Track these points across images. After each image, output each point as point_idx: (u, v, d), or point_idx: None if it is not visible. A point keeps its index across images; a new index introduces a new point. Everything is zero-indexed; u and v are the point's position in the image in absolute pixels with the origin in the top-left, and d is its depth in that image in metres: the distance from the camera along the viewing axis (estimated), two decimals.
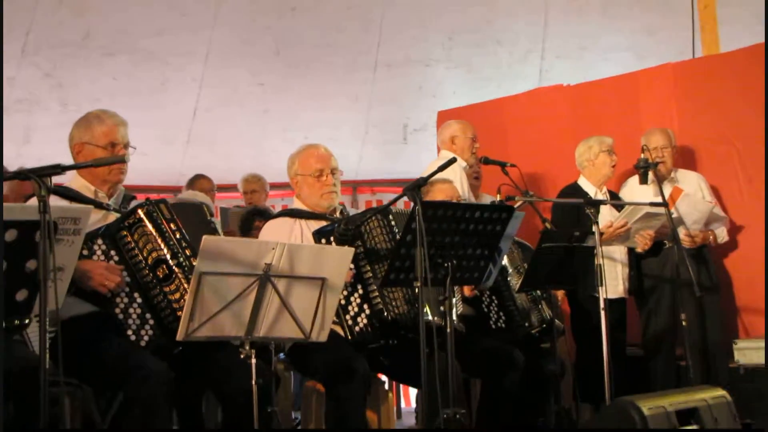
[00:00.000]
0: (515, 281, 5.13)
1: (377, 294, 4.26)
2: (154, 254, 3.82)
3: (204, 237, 3.36)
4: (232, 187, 8.83)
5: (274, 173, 7.54)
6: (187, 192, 6.19)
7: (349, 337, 4.29)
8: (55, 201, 3.80)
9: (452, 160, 3.98)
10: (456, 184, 5.34)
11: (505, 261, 5.07)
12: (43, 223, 2.85)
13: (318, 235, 4.28)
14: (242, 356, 3.54)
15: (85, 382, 3.93)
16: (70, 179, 4.20)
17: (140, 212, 3.85)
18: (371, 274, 4.28)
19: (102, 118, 4.04)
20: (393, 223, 4.33)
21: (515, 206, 6.01)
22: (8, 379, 3.74)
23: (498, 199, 5.41)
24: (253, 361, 3.54)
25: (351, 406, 4.10)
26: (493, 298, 5.10)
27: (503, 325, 5.09)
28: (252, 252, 3.46)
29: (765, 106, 6.07)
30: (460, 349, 4.57)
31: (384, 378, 4.74)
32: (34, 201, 3.89)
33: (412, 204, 3.83)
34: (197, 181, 7.32)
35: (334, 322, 4.16)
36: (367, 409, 4.55)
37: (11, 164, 8.47)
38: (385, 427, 4.44)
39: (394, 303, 4.29)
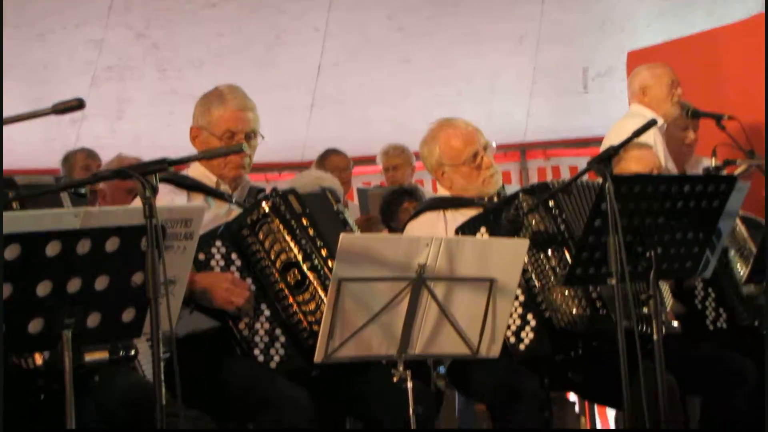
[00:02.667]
0: (740, 268, 5.02)
1: (542, 298, 4.27)
2: (283, 256, 3.93)
3: (342, 235, 3.44)
4: (369, 160, 8.93)
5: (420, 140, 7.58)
6: (306, 174, 6.29)
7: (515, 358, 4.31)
8: (165, 194, 3.97)
9: (651, 123, 3.92)
10: (653, 149, 5.26)
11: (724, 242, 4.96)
12: (150, 230, 2.97)
13: (461, 233, 4.32)
14: (395, 379, 3.60)
15: (208, 413, 4.09)
16: (189, 166, 4.33)
17: (265, 206, 3.96)
18: (532, 274, 4.29)
19: (224, 100, 4.16)
20: (552, 203, 4.28)
21: (737, 173, 5.90)
22: (120, 413, 3.95)
23: (713, 164, 5.29)
24: (410, 384, 3.59)
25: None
26: (710, 290, 5.00)
27: (724, 325, 5.00)
28: (401, 250, 3.52)
29: None
30: (673, 359, 4.54)
31: (574, 398, 4.73)
32: (137, 202, 4.08)
33: (600, 179, 3.80)
34: (329, 158, 7.44)
35: None
36: None
37: (104, 144, 8.83)
38: None
39: (562, 307, 4.27)
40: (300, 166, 9.47)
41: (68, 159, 6.74)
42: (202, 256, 3.90)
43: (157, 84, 9.59)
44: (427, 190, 7.00)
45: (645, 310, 4.02)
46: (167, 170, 3.09)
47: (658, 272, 3.99)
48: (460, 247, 3.60)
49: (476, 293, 3.65)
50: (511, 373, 4.26)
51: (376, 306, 3.53)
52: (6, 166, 8.36)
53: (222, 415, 4.02)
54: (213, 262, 3.92)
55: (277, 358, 3.89)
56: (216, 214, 4.10)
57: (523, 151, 10.51)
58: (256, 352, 3.88)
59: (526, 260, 4.26)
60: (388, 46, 9.59)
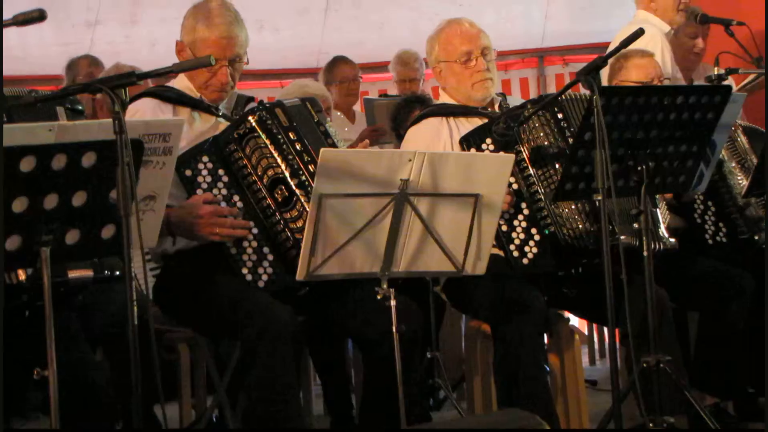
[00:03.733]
0: (739, 180, 4.97)
1: (548, 212, 4.22)
2: (270, 172, 3.91)
3: (322, 150, 3.42)
4: (385, 66, 8.84)
5: None
6: (292, 84, 6.20)
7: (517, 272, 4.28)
8: (150, 109, 3.95)
9: (637, 33, 3.85)
10: (657, 58, 5.16)
11: (723, 154, 4.90)
12: (120, 145, 2.95)
13: (466, 143, 4.26)
14: (379, 297, 3.60)
15: (196, 330, 4.12)
16: (174, 80, 4.29)
17: (251, 120, 3.93)
18: (538, 187, 4.23)
19: (211, 22, 4.04)
20: (560, 116, 4.24)
21: (745, 82, 5.80)
22: (107, 329, 3.99)
23: (716, 72, 5.20)
24: (393, 303, 3.59)
25: (525, 350, 4.11)
26: (709, 204, 4.96)
27: (724, 240, 4.96)
28: (383, 165, 3.49)
29: None
30: (671, 275, 4.53)
31: (571, 316, 4.71)
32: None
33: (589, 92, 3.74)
34: (336, 66, 7.33)
35: (495, 246, 4.18)
36: (550, 354, 4.58)
37: (119, 50, 8.79)
38: (570, 375, 4.44)
39: (569, 222, 4.23)
40: (315, 72, 9.36)
41: (72, 66, 6.67)
42: (188, 173, 3.87)
43: None
44: None
45: (635, 225, 3.97)
46: (135, 83, 3.04)
47: (650, 187, 3.95)
48: (444, 162, 3.57)
49: (461, 209, 3.63)
50: (515, 288, 4.23)
51: (359, 222, 3.51)
52: (20, 71, 8.37)
53: (208, 332, 4.04)
54: (200, 179, 3.89)
55: (265, 277, 3.87)
56: (202, 128, 4.07)
57: (540, 56, 10.34)
58: (244, 270, 3.87)
59: (532, 172, 4.24)
60: None
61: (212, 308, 3.89)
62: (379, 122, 6.71)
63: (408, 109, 6.39)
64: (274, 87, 9.42)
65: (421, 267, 3.68)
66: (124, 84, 3.00)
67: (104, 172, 3.14)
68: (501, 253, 4.25)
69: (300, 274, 3.50)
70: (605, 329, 6.57)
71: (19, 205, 3.04)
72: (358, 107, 7.55)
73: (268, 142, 3.92)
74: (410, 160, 3.51)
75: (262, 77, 9.66)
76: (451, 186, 3.60)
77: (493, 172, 3.66)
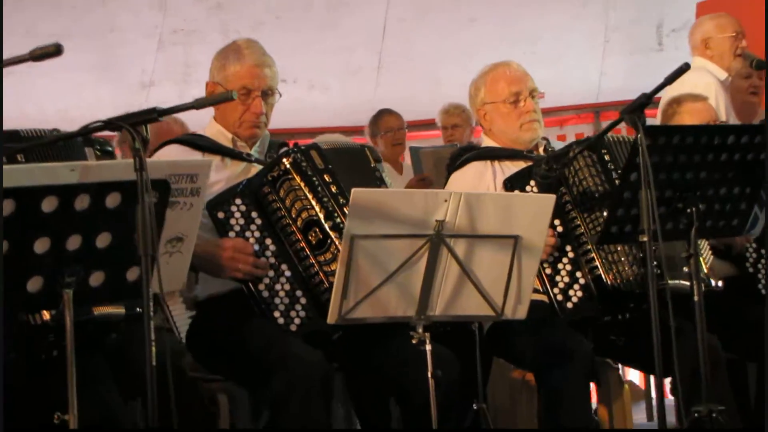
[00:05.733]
0: None
1: (594, 255, 4.10)
2: (305, 214, 3.83)
3: (353, 190, 3.33)
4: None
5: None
6: (328, 136, 6.16)
7: (561, 316, 4.16)
8: (178, 156, 3.90)
9: (682, 68, 3.73)
10: (711, 101, 5.04)
11: None
12: (141, 182, 2.88)
13: (510, 186, 4.15)
14: (414, 341, 3.49)
15: (228, 378, 4.03)
16: (206, 126, 4.26)
17: (286, 162, 3.87)
18: (584, 230, 4.12)
19: (240, 55, 4.04)
20: (607, 158, 4.13)
21: None
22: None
23: None
24: (428, 347, 3.48)
25: (570, 400, 3.99)
26: (762, 252, 4.79)
27: None
28: (418, 206, 3.40)
29: None
30: (723, 322, 4.37)
31: (630, 371, 4.57)
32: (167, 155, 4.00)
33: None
34: (382, 118, 7.32)
35: (539, 292, 4.05)
36: (599, 405, 4.43)
37: None
38: (619, 427, 4.29)
39: (616, 266, 4.10)
40: None
41: None
42: (221, 215, 3.82)
43: (221, 46, 9.53)
44: None
45: (685, 269, 3.84)
46: (157, 119, 2.97)
47: (701, 230, 3.81)
48: (481, 202, 3.47)
49: (499, 251, 3.52)
50: (560, 334, 4.12)
51: (393, 265, 3.41)
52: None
53: (241, 379, 3.95)
54: (232, 221, 3.83)
55: (297, 321, 3.79)
56: (232, 172, 4.02)
57: (597, 112, 10.26)
58: (276, 314, 3.79)
59: (577, 215, 4.15)
60: (453, 3, 9.42)
61: (242, 354, 3.82)
62: (426, 171, 6.63)
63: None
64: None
65: (458, 311, 3.57)
66: (144, 120, 2.94)
67: (129, 212, 3.06)
68: (545, 298, 4.14)
69: (331, 318, 3.41)
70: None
71: (40, 245, 2.98)
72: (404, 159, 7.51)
73: (302, 184, 3.85)
74: (446, 201, 3.41)
75: (313, 135, 9.66)
76: (489, 227, 3.50)
77: (533, 213, 3.55)
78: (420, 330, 3.51)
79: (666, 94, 5.71)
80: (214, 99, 3.11)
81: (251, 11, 9.46)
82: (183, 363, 4.08)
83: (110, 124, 2.92)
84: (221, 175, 3.99)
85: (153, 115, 2.94)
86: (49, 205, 2.95)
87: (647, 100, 3.68)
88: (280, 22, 9.52)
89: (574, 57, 9.81)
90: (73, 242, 3.03)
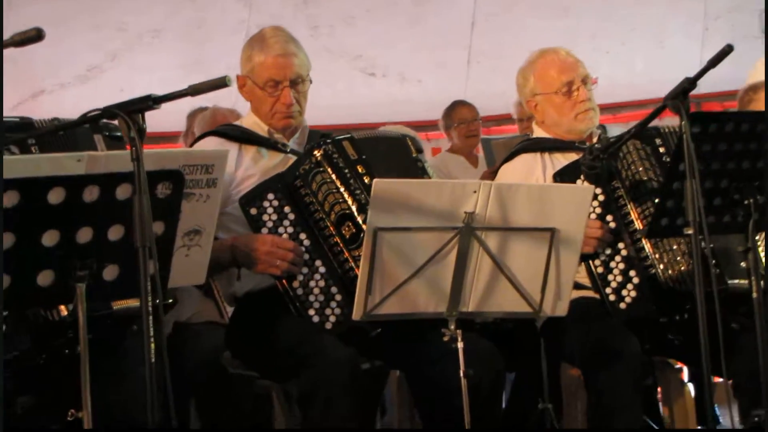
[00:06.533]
0: None
1: (648, 252, 3.92)
2: (337, 208, 3.72)
3: (375, 181, 3.22)
4: None
5: None
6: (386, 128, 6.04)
7: (614, 317, 3.99)
8: (214, 145, 3.83)
9: (725, 51, 3.52)
10: None
11: None
12: (137, 174, 2.79)
13: (560, 179, 3.98)
14: (445, 339, 3.36)
15: (263, 375, 3.96)
16: (242, 118, 4.20)
17: (317, 154, 3.76)
18: (638, 225, 3.94)
19: (265, 45, 3.92)
20: (662, 149, 3.95)
21: None
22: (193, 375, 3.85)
23: None
24: (460, 345, 3.33)
25: (618, 400, 3.83)
26: None
27: None
28: (445, 197, 3.27)
29: None
30: None
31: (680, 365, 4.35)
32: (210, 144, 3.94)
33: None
34: (455, 109, 7.18)
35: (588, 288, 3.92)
36: (662, 406, 4.24)
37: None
38: (681, 426, 4.08)
39: (672, 263, 3.90)
40: None
41: (192, 114, 6.65)
42: (254, 211, 3.73)
43: (309, 42, 9.49)
44: None
45: (743, 264, 3.61)
46: (152, 107, 2.88)
47: (758, 222, 3.58)
48: (513, 193, 3.32)
49: (535, 245, 3.38)
50: (608, 332, 3.94)
51: (420, 259, 3.29)
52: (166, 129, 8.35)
53: (274, 376, 3.86)
54: (265, 217, 3.73)
55: (332, 318, 3.68)
56: (270, 164, 3.93)
57: (698, 103, 9.91)
58: (311, 312, 3.69)
59: (631, 209, 3.97)
60: None
61: (276, 351, 3.74)
62: (499, 163, 6.46)
63: None
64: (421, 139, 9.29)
65: (493, 307, 3.44)
66: (140, 109, 2.84)
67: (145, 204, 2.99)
68: (594, 294, 3.99)
69: (356, 314, 3.30)
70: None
71: (49, 238, 2.90)
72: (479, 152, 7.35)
73: (334, 176, 3.74)
74: (475, 192, 3.28)
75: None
76: (523, 219, 3.35)
77: (570, 204, 3.39)
78: (452, 326, 3.37)
79: (751, 78, 5.48)
80: (208, 85, 3.00)
81: (338, 7, 9.41)
82: (223, 359, 4.03)
83: (107, 112, 2.83)
84: (257, 167, 3.93)
85: (148, 102, 2.85)
86: (56, 196, 2.87)
87: (690, 85, 3.48)
88: (371, 15, 9.45)
89: (673, 47, 9.51)
90: (84, 235, 2.94)
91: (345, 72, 9.71)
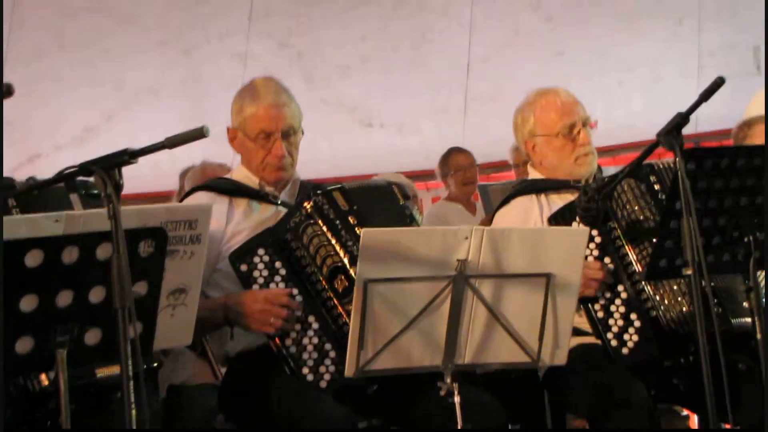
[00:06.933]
0: None
1: (648, 294, 3.82)
2: (329, 261, 3.62)
3: (363, 231, 3.13)
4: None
5: None
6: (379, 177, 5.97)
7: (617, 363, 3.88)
8: (205, 200, 3.74)
9: (717, 83, 3.44)
10: None
11: None
12: (114, 232, 2.71)
13: (555, 222, 3.88)
14: (442, 393, 3.24)
15: None
16: (233, 171, 4.13)
17: (307, 206, 3.66)
18: (636, 267, 3.83)
19: (257, 96, 3.86)
20: (657, 186, 3.85)
21: None
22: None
23: None
24: (457, 399, 3.22)
25: None
26: None
27: None
28: (436, 245, 3.16)
29: None
30: None
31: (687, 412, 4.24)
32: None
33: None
34: (451, 156, 7.13)
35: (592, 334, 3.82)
36: None
37: None
38: None
39: (673, 305, 3.80)
40: None
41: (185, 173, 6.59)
42: (244, 267, 3.64)
43: (305, 94, 9.46)
44: None
45: (745, 304, 3.51)
46: (128, 162, 2.80)
47: (759, 260, 3.48)
48: (506, 237, 3.22)
49: (531, 291, 3.27)
50: (613, 379, 3.82)
51: (413, 310, 3.18)
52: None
53: None
54: (256, 273, 3.64)
55: (327, 376, 3.58)
56: (262, 218, 3.85)
57: (696, 141, 9.84)
58: (305, 370, 3.58)
59: (628, 251, 3.86)
60: (538, 37, 9.19)
61: (269, 413, 3.63)
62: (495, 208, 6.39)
63: None
64: (419, 189, 9.24)
65: (490, 358, 3.32)
66: (116, 164, 2.77)
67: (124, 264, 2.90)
68: (596, 340, 3.87)
69: (348, 371, 3.19)
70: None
71: (27, 303, 2.81)
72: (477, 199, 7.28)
73: (324, 228, 3.64)
74: (467, 238, 3.17)
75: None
76: (517, 265, 3.25)
77: (565, 248, 3.29)
78: (448, 380, 3.26)
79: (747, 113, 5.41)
80: (185, 137, 2.91)
81: (333, 57, 9.39)
82: (216, 423, 3.92)
83: (84, 168, 2.75)
84: (248, 221, 3.85)
85: (124, 157, 2.78)
86: (33, 259, 2.79)
87: (683, 119, 3.39)
88: (366, 64, 9.43)
89: (669, 85, 9.48)
90: (64, 298, 2.86)
91: (343, 124, 9.68)
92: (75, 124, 9.28)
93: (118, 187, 2.76)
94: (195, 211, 3.09)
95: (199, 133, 2.87)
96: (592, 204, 3.66)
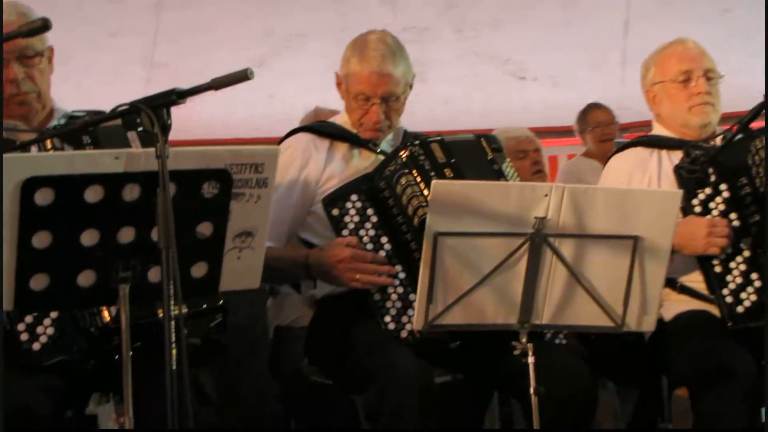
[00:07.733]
0: None
1: None
2: (421, 212, 3.51)
3: (434, 182, 3.04)
4: None
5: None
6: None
7: (729, 323, 3.70)
8: (305, 144, 3.80)
9: None
10: None
11: None
12: (161, 171, 2.66)
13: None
14: (516, 352, 3.12)
15: (335, 384, 3.80)
16: (337, 116, 4.05)
17: (403, 155, 3.59)
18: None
19: (364, 56, 3.73)
20: None
21: None
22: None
23: None
24: (531, 360, 3.09)
25: (726, 425, 3.51)
26: None
27: None
28: (512, 201, 3.05)
29: None
30: None
31: None
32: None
33: None
34: (590, 112, 6.92)
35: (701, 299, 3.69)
36: None
37: (412, 110, 8.74)
38: None
39: None
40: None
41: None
42: (336, 212, 3.61)
43: (455, 45, 9.33)
44: None
45: None
46: (176, 102, 2.75)
47: None
48: (590, 197, 3.08)
49: (616, 254, 3.13)
50: (718, 347, 3.65)
51: (487, 266, 3.08)
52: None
53: (345, 386, 3.70)
54: (347, 218, 3.61)
55: (408, 327, 3.50)
56: (361, 165, 3.79)
57: None
58: (387, 318, 3.53)
59: (757, 209, 3.71)
60: None
61: (346, 362, 3.59)
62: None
63: None
64: (573, 144, 9.03)
65: (570, 320, 3.21)
66: (163, 104, 2.72)
67: (188, 204, 2.86)
68: (708, 307, 3.74)
69: (417, 324, 3.13)
70: None
71: (88, 238, 2.80)
72: None
73: (419, 179, 3.55)
74: (546, 195, 3.04)
75: (558, 135, 9.31)
76: (602, 226, 3.11)
77: (656, 210, 3.13)
78: (523, 340, 3.13)
79: None
80: (231, 78, 2.83)
81: (486, 5, 9.21)
82: (302, 366, 3.90)
83: (133, 107, 2.71)
84: (346, 166, 3.81)
85: (172, 96, 2.72)
86: (93, 194, 2.76)
87: None
88: (516, 17, 9.23)
89: None
90: (126, 235, 2.83)
91: (494, 76, 9.49)
92: (224, 70, 9.34)
93: (165, 126, 2.71)
94: (261, 155, 3.00)
95: (243, 75, 2.81)
96: (695, 165, 3.46)
